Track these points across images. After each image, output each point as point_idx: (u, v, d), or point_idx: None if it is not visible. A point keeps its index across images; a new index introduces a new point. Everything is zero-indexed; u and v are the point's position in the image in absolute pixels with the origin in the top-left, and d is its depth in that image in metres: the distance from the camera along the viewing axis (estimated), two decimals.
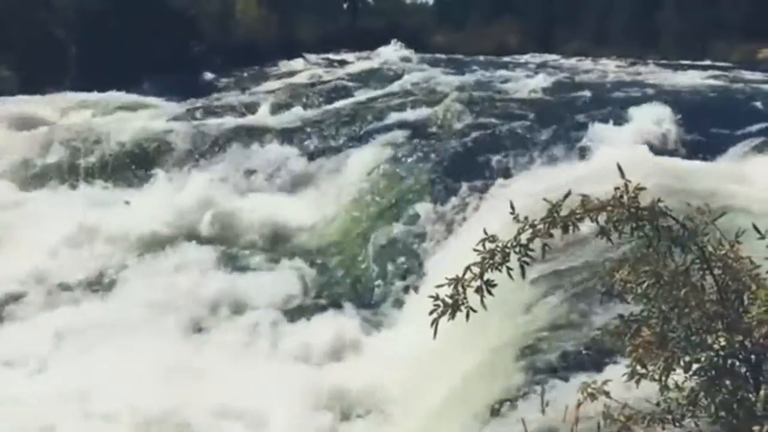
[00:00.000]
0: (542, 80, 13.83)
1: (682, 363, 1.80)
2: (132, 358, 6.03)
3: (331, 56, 26.70)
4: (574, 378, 3.61)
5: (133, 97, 15.49)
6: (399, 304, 6.93)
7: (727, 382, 1.75)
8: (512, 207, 1.77)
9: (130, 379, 5.64)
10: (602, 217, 1.74)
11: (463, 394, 4.36)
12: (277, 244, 8.92)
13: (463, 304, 1.72)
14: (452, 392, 4.44)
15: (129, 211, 9.79)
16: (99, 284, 8.00)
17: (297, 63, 24.10)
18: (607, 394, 1.98)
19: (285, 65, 23.38)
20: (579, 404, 2.03)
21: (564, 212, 1.74)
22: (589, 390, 2.00)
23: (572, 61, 23.23)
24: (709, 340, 1.77)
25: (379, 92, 14.05)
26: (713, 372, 1.77)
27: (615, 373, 1.97)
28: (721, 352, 1.75)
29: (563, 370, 3.85)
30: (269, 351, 6.42)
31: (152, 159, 11.64)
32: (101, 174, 11.54)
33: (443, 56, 31.09)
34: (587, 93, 12.40)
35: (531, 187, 6.85)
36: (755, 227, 1.78)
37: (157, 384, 5.60)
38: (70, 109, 14.33)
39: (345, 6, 47.63)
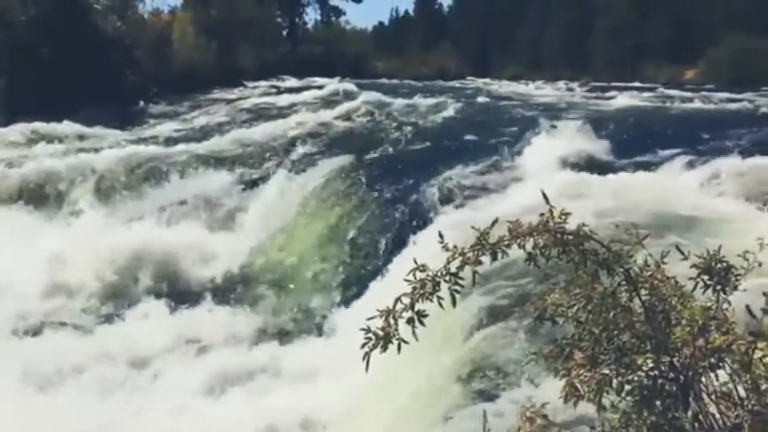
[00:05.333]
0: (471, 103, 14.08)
1: (614, 384, 1.80)
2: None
3: (272, 83, 26.63)
4: (515, 401, 3.60)
5: (62, 127, 15.02)
6: (334, 331, 6.85)
7: (658, 403, 1.76)
8: (441, 236, 1.75)
9: None
10: (530, 244, 1.73)
11: (403, 421, 4.31)
12: (210, 274, 8.70)
13: (394, 336, 1.69)
14: (392, 419, 4.39)
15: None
16: None
17: (236, 91, 23.94)
18: (545, 417, 1.97)
19: (224, 93, 23.17)
20: (519, 428, 2.01)
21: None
22: (528, 414, 1.99)
23: (507, 84, 23.80)
24: (639, 361, 1.78)
25: (316, 119, 14.02)
26: (645, 392, 1.78)
27: (555, 394, 1.96)
28: (651, 373, 1.76)
29: (503, 393, 3.84)
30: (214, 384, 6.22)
31: (77, 190, 11.24)
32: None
33: (383, 81, 31.42)
34: (518, 115, 12.67)
35: (461, 216, 6.90)
36: (678, 249, 1.81)
37: None
38: None
39: (285, 33, 47.72)
